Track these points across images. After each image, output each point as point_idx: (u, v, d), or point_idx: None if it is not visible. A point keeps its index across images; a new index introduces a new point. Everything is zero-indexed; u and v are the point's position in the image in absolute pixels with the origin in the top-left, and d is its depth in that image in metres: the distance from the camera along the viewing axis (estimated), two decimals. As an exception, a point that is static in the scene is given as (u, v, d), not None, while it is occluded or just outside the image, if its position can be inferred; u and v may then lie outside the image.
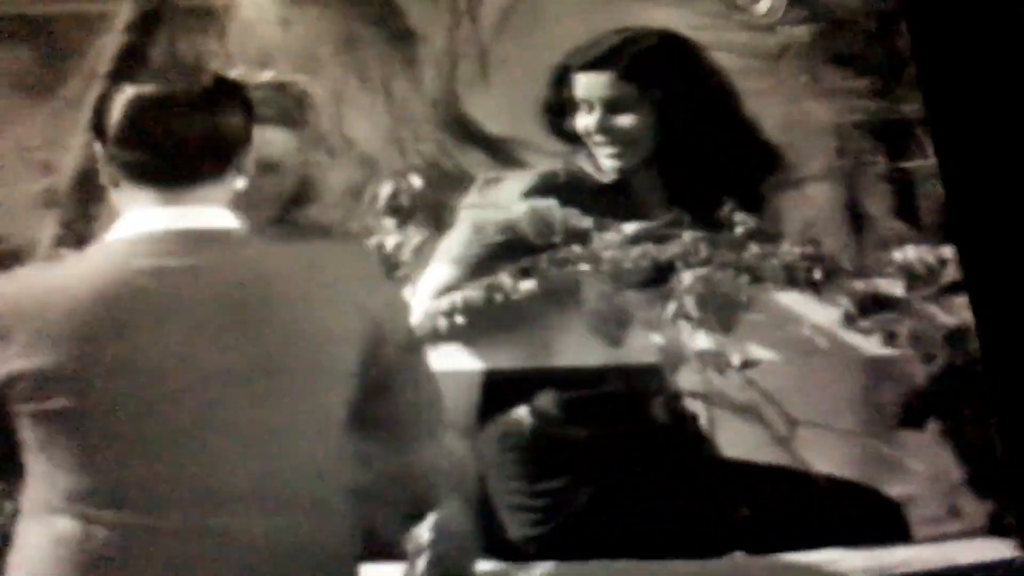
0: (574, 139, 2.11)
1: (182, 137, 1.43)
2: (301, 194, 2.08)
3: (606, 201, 2.05)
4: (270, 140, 2.03)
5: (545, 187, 2.06)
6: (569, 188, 2.06)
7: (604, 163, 2.08)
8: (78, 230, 2.09)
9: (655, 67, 2.07)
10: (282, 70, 2.17)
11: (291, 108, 2.08)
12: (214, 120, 1.45)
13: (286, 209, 2.08)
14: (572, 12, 2.20)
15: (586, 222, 2.01)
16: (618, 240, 1.99)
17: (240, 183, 1.49)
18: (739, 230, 2.02)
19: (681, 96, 2.06)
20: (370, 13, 2.24)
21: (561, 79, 2.11)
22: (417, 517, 1.60)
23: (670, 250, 1.99)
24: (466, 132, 2.21)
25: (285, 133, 2.07)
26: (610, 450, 1.98)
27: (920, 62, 2.16)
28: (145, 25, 2.22)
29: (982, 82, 2.11)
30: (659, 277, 1.97)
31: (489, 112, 2.21)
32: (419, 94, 2.22)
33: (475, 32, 2.24)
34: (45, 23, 2.23)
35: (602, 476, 1.96)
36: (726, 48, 2.18)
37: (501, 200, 2.07)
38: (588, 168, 2.10)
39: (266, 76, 2.10)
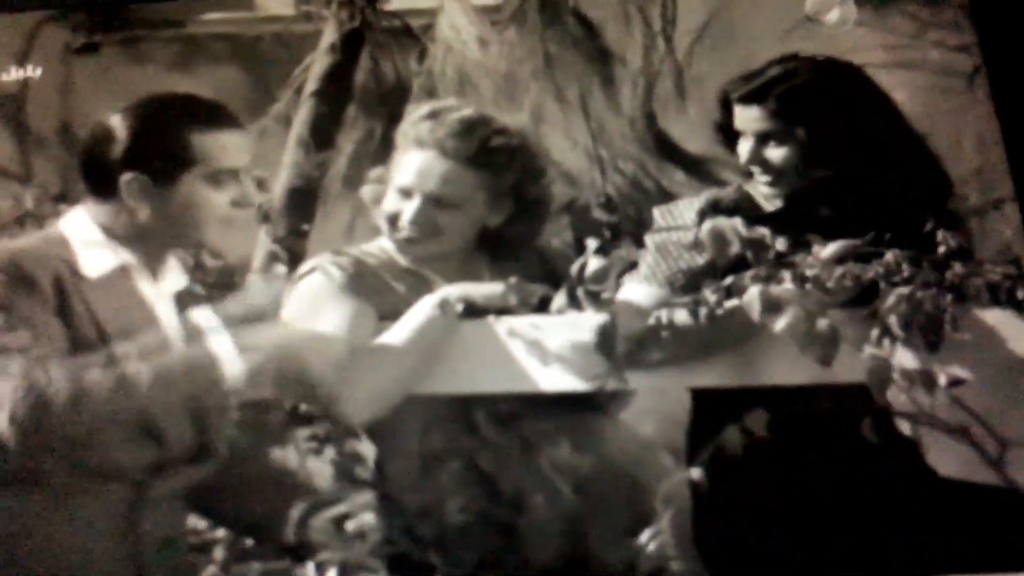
0: None
1: None
2: (533, 213, 2.10)
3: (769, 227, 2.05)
4: (450, 179, 2.06)
5: (713, 210, 2.08)
6: (732, 213, 2.07)
7: (761, 189, 2.10)
8: (290, 246, 2.14)
9: (804, 105, 2.06)
10: (482, 91, 2.21)
11: (472, 152, 2.05)
12: None
13: (490, 235, 2.11)
14: (765, 30, 2.21)
15: (780, 241, 2.02)
16: (821, 259, 2.00)
17: None
18: (941, 249, 2.01)
19: (831, 131, 2.06)
20: (567, 34, 2.27)
21: (725, 104, 2.13)
22: None
23: (872, 269, 1.99)
24: (665, 150, 2.23)
25: (469, 173, 2.06)
26: (821, 468, 1.98)
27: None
28: (348, 46, 2.28)
29: None
30: (863, 296, 1.98)
31: (687, 130, 2.23)
32: (617, 113, 2.25)
33: (670, 52, 2.26)
34: (252, 44, 2.29)
35: (814, 494, 1.97)
36: (920, 66, 2.18)
37: (677, 222, 2.08)
38: (755, 194, 2.11)
39: (466, 111, 2.08)
